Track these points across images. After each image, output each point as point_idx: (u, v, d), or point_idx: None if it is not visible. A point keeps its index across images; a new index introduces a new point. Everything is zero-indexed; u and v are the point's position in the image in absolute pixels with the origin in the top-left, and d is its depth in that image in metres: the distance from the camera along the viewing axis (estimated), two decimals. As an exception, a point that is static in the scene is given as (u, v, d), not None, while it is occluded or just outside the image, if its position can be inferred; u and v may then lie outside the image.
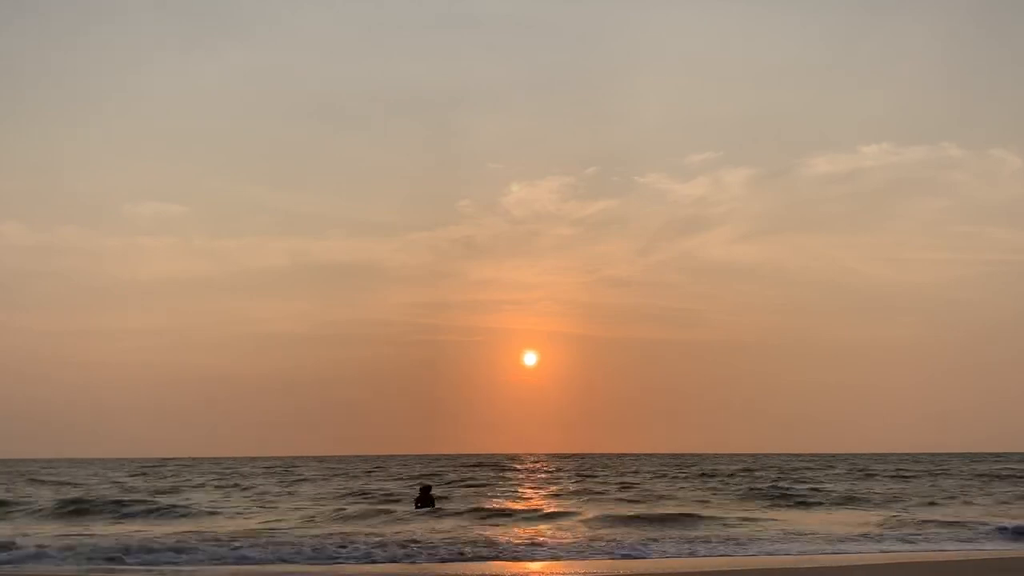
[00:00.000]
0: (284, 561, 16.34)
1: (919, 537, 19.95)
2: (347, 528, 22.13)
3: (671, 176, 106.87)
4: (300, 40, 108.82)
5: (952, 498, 31.92)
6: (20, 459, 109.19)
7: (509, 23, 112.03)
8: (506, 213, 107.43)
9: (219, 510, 28.17)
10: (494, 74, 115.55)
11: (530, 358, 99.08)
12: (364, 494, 34.50)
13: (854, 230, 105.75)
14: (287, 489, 38.35)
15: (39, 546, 17.30)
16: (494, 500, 31.43)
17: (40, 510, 27.79)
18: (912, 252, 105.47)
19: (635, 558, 16.64)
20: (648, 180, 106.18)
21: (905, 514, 25.49)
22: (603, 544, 18.21)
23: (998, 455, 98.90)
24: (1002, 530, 20.61)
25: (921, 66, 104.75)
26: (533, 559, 16.46)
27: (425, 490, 26.94)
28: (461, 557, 16.51)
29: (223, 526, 22.70)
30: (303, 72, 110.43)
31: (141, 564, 15.91)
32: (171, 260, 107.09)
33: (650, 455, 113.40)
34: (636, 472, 54.80)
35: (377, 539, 18.74)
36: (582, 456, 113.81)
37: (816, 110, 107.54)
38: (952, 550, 17.59)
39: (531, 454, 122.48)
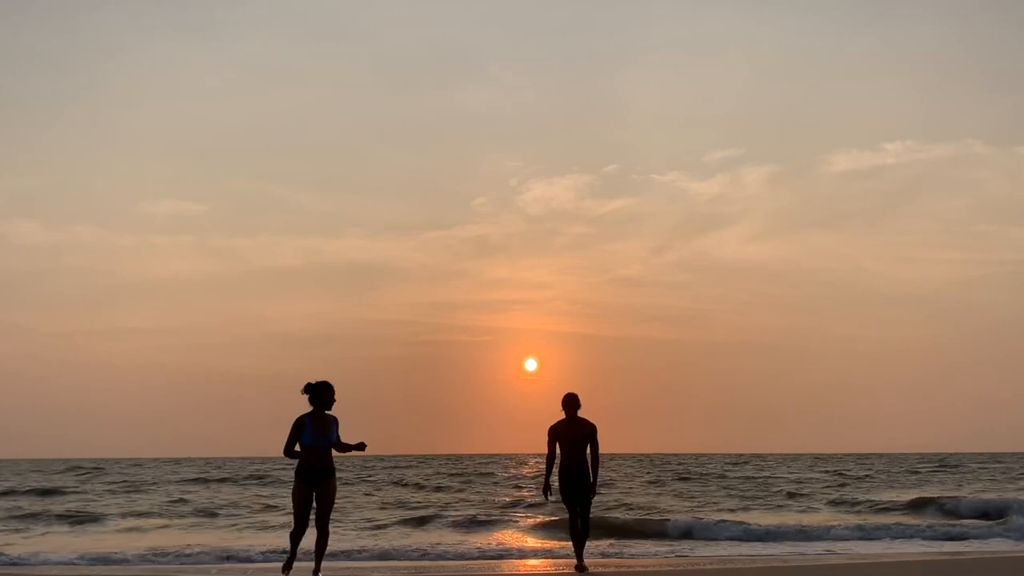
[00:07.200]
0: None
1: None
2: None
3: (690, 174, 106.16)
4: (315, 37, 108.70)
5: None
6: (27, 459, 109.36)
7: (526, 19, 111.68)
8: (521, 211, 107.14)
9: None
10: (512, 69, 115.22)
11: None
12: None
13: (873, 229, 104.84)
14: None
15: None
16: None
17: None
18: (931, 251, 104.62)
19: None
20: (668, 178, 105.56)
21: None
22: None
23: (1016, 455, 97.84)
24: None
25: (947, 61, 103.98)
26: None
27: None
28: None
29: None
30: (319, 70, 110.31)
31: None
32: (185, 259, 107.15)
33: (661, 455, 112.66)
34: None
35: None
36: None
37: (840, 106, 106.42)
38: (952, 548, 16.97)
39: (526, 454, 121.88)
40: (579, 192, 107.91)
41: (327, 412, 9.62)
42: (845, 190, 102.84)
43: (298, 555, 9.66)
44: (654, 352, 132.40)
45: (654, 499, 29.13)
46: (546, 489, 10.98)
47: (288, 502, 27.63)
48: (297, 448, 9.54)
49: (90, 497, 31.80)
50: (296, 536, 9.58)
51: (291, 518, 9.67)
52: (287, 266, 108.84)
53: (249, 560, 15.14)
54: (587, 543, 11.15)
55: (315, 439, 9.44)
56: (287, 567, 9.59)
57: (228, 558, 15.33)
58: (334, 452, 9.64)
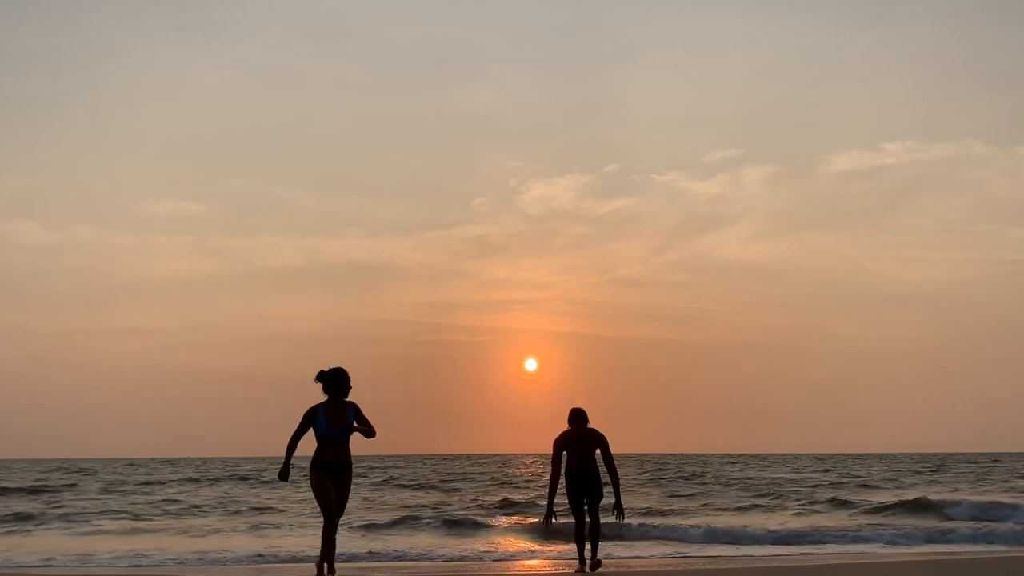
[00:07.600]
0: None
1: None
2: None
3: (690, 174, 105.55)
4: (315, 37, 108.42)
5: None
6: (26, 459, 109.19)
7: (526, 19, 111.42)
8: (521, 211, 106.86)
9: None
10: (512, 69, 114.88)
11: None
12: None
13: (873, 229, 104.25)
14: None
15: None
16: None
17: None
18: (931, 251, 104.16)
19: None
20: (668, 178, 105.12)
21: None
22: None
23: (1016, 455, 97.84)
24: None
25: (947, 61, 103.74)
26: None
27: None
28: None
29: None
30: (319, 70, 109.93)
31: None
32: (185, 259, 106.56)
33: (660, 455, 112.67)
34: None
35: None
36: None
37: (840, 106, 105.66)
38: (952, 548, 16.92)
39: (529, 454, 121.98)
40: (579, 192, 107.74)
41: (344, 400, 9.19)
42: (845, 190, 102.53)
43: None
44: (654, 352, 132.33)
45: (653, 500, 29.03)
46: (548, 516, 10.75)
47: (286, 504, 27.85)
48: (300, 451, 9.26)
49: (81, 497, 31.67)
50: (330, 531, 9.07)
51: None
52: (287, 266, 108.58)
53: (239, 561, 15.00)
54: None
55: (330, 427, 9.03)
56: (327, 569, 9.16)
57: (201, 559, 15.18)
58: (364, 441, 9.28)
